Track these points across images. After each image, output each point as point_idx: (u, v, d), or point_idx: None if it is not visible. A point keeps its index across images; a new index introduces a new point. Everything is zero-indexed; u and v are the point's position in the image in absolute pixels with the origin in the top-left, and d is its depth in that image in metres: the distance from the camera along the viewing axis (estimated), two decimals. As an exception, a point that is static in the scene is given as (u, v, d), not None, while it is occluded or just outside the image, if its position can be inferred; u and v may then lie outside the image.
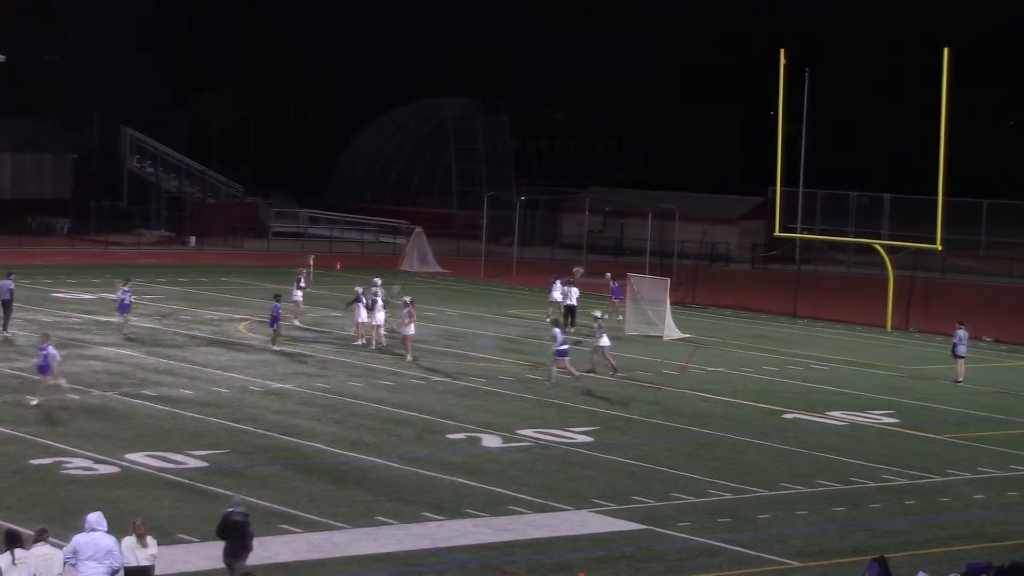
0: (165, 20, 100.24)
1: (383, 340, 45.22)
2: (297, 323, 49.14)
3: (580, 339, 45.69)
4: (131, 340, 44.86)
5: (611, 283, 56.42)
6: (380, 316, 45.21)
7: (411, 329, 43.53)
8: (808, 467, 31.38)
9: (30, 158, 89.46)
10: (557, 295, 54.09)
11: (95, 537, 18.86)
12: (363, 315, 45.73)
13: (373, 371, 41.11)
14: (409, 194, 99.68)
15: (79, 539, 18.86)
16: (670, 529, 25.82)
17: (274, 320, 44.53)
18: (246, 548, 20.84)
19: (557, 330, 40.99)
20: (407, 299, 45.02)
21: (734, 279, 74.95)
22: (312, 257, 60.28)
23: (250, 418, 33.69)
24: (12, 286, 46.15)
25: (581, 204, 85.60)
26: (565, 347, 40.26)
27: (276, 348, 44.05)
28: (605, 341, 42.46)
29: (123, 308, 46.62)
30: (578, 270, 57.59)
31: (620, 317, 54.16)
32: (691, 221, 79.55)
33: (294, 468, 29.13)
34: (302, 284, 50.91)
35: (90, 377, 38.04)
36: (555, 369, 40.27)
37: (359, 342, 45.64)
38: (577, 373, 40.40)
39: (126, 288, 46.83)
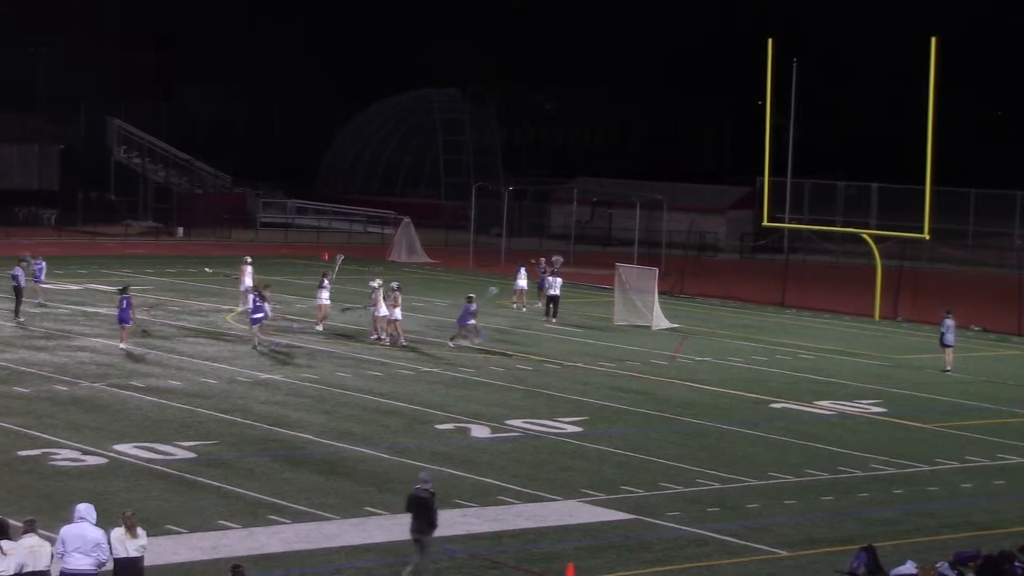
0: (152, 10, 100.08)
1: (401, 338, 44.30)
2: (319, 328, 46.10)
3: (348, 306, 47.60)
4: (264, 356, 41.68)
5: (542, 268, 54.48)
6: (398, 312, 44.21)
7: (397, 313, 44.17)
8: (797, 456, 31.42)
9: (17, 149, 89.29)
10: (522, 282, 54.03)
11: (83, 528, 18.64)
12: (382, 309, 44.76)
13: (362, 361, 41.06)
14: (397, 185, 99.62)
15: (66, 530, 18.67)
16: (659, 519, 25.82)
17: (464, 317, 44.33)
18: (431, 524, 21.35)
19: (252, 295, 42.57)
20: (395, 284, 45.11)
21: (722, 269, 74.96)
22: (341, 256, 54.95)
23: (238, 409, 33.65)
24: (23, 274, 46.46)
25: (569, 194, 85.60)
26: (260, 315, 41.94)
27: (452, 344, 43.86)
28: (382, 311, 44.10)
29: (257, 314, 42.09)
30: (557, 259, 56.81)
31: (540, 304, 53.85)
32: (679, 211, 79.58)
33: (283, 459, 29.09)
34: (326, 284, 46.91)
35: (78, 368, 37.96)
36: (258, 335, 42.00)
37: (374, 336, 44.74)
38: (265, 338, 42.12)
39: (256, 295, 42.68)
